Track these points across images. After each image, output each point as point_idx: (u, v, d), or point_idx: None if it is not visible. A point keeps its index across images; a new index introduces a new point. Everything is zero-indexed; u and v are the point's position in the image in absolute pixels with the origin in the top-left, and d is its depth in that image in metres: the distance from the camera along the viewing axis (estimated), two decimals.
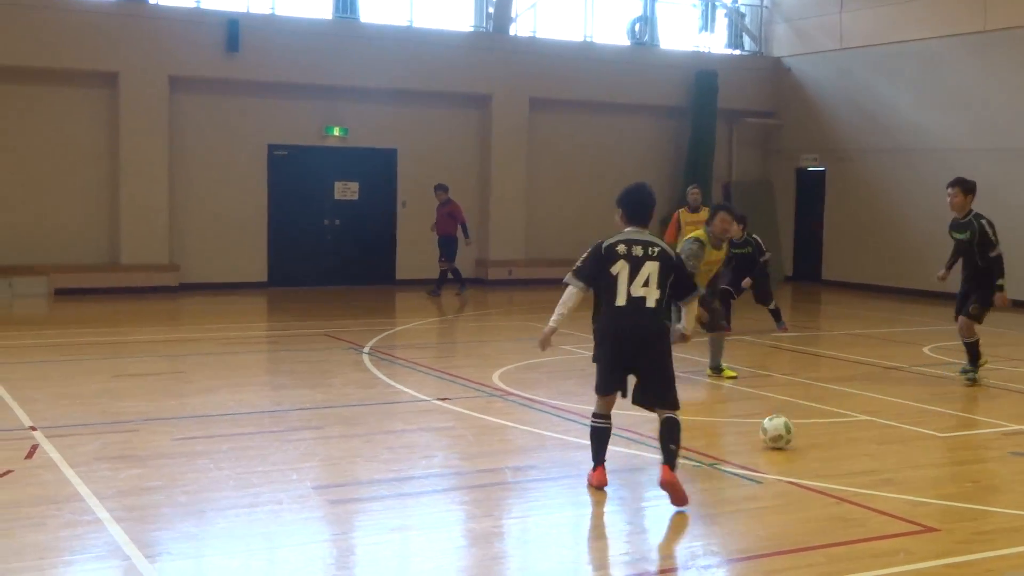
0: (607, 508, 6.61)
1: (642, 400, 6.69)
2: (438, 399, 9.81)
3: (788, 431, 7.96)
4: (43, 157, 18.64)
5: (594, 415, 6.85)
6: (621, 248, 6.63)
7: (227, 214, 19.96)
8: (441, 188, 19.37)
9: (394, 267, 21.48)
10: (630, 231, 6.75)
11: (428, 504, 6.71)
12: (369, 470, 7.46)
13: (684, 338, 7.23)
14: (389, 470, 7.44)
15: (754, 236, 14.88)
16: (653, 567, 5.69)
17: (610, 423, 6.84)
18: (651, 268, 6.58)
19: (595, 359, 6.81)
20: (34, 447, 7.71)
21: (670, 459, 6.46)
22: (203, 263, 19.74)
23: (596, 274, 6.64)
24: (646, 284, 6.55)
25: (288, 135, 20.40)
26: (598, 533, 6.01)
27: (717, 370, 11.17)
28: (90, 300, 17.64)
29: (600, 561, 5.71)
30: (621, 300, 6.55)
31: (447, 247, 19.33)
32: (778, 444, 7.96)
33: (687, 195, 16.22)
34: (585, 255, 6.74)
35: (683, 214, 15.73)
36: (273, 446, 8.00)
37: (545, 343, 6.84)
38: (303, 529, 6.17)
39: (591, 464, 6.91)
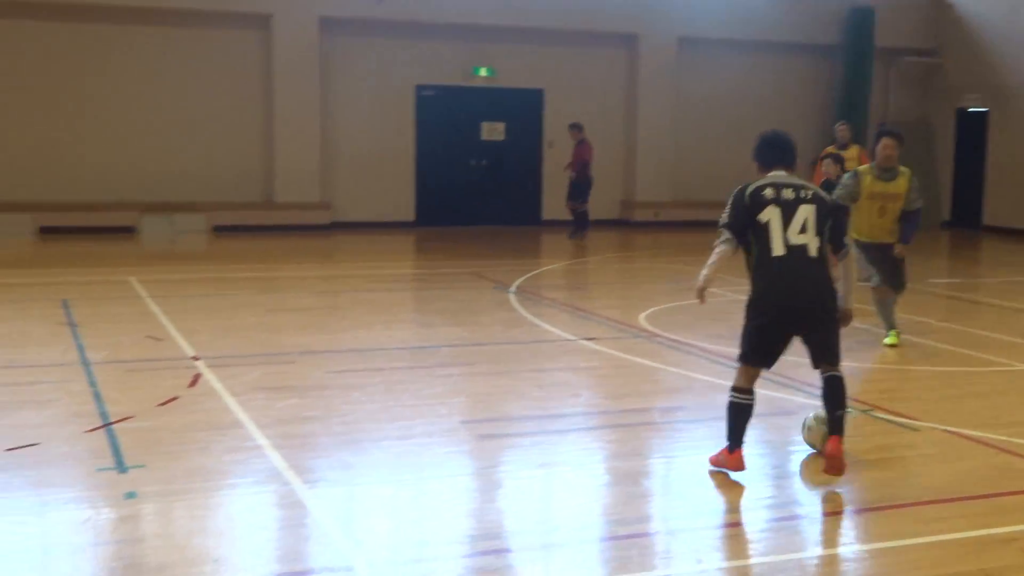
0: (754, 451, 6.54)
1: (809, 356, 5.93)
2: (584, 339, 9.84)
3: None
4: (202, 99, 19.21)
5: (735, 388, 5.98)
6: (768, 192, 5.82)
7: (376, 154, 20.27)
8: (575, 127, 19.24)
9: (540, 207, 21.52)
10: (774, 175, 5.98)
11: (574, 442, 6.76)
12: (516, 407, 7.55)
13: (848, 318, 6.16)
14: (536, 407, 7.51)
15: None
16: (799, 511, 5.62)
17: (754, 399, 5.97)
18: (807, 212, 5.77)
19: (748, 323, 5.91)
20: (197, 376, 8.04)
21: (837, 427, 5.77)
22: (353, 202, 20.14)
23: (744, 225, 5.83)
24: (803, 230, 5.74)
25: (435, 75, 20.55)
26: (741, 476, 5.96)
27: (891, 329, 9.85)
28: (246, 237, 18.21)
29: (743, 504, 5.67)
30: (779, 249, 5.74)
31: (581, 187, 19.15)
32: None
33: (835, 131, 15.75)
34: (728, 205, 5.94)
35: (831, 152, 15.29)
36: (423, 381, 8.17)
37: (701, 296, 6.05)
38: (452, 462, 6.30)
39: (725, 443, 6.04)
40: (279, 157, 19.45)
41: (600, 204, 20.73)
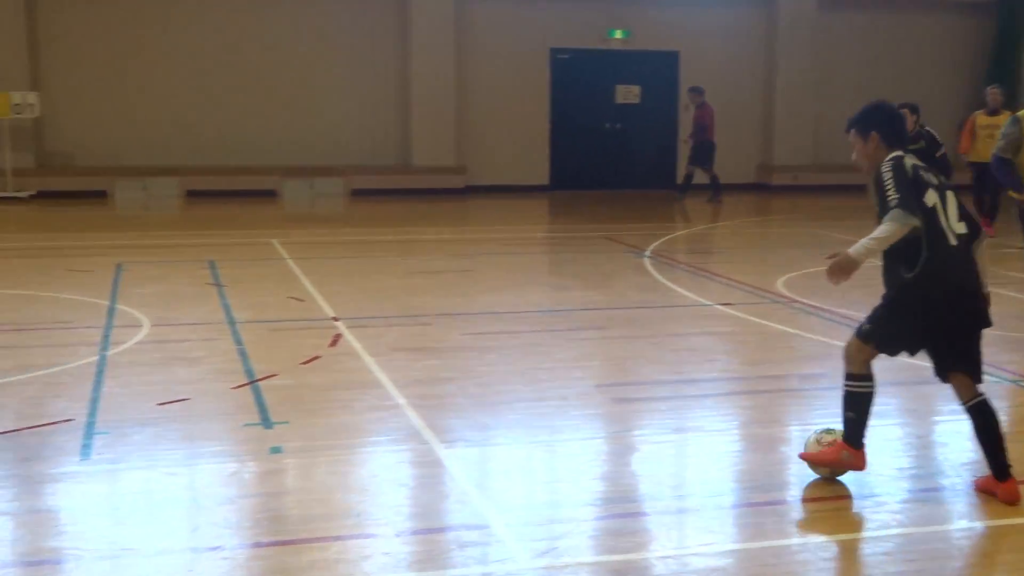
0: (897, 420, 6.40)
1: (948, 366, 5.10)
2: (720, 304, 9.74)
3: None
4: (340, 64, 19.54)
5: (852, 376, 5.15)
6: (924, 173, 5.02)
7: (511, 118, 20.32)
8: (695, 91, 18.94)
9: (675, 171, 21.30)
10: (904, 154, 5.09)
11: (709, 407, 6.71)
12: (651, 371, 7.53)
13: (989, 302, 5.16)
14: (671, 372, 7.48)
15: (927, 128, 13.17)
16: (936, 483, 5.48)
17: (875, 384, 5.19)
18: (953, 198, 5.06)
19: (896, 310, 5.03)
20: (337, 336, 8.23)
21: (1003, 468, 5.03)
22: (488, 166, 20.25)
23: (916, 206, 4.85)
24: (960, 218, 5.02)
25: (570, 38, 20.46)
26: (883, 446, 5.83)
27: None
28: (383, 200, 18.50)
29: (883, 475, 5.55)
30: (952, 239, 4.94)
31: (704, 152, 18.87)
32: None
33: (986, 95, 15.15)
34: (893, 178, 4.89)
35: (979, 117, 14.74)
36: (558, 344, 8.20)
37: (844, 274, 4.91)
38: (586, 425, 6.32)
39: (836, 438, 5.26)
40: (415, 121, 19.68)
41: (736, 168, 20.43)
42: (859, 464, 5.19)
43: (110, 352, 7.66)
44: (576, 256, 12.98)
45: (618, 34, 20.56)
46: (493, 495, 5.14)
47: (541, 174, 20.72)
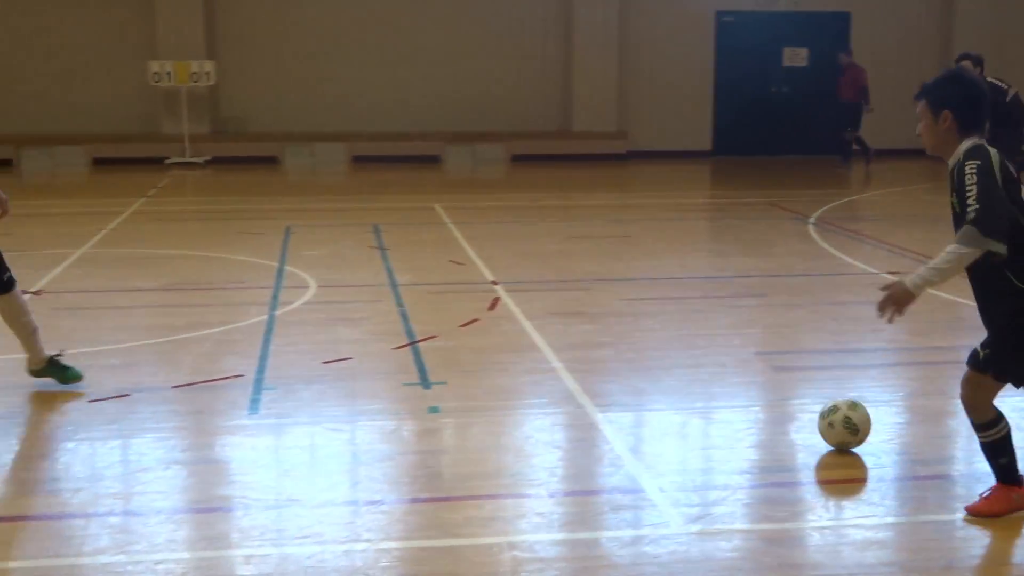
0: None
1: None
2: (887, 272, 9.44)
3: (850, 429, 5.13)
4: (502, 30, 19.61)
5: (982, 426, 4.40)
6: (1009, 170, 4.19)
7: (673, 82, 20.06)
8: (844, 52, 18.38)
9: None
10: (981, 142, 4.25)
11: (874, 377, 6.55)
12: (813, 339, 7.38)
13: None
14: (834, 341, 7.31)
15: (991, 79, 11.43)
16: None
17: (1007, 421, 4.44)
18: None
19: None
20: (496, 300, 8.33)
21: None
22: (649, 131, 20.06)
23: (1010, 217, 4.09)
24: None
25: (737, 1, 20.04)
26: None
27: None
28: (543, 166, 18.56)
29: None
30: None
31: (850, 114, 18.30)
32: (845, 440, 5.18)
33: None
34: (977, 183, 4.06)
35: None
36: (717, 311, 8.11)
37: (898, 309, 4.22)
38: (744, 392, 6.25)
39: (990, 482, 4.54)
40: (577, 86, 19.63)
41: (909, 133, 19.67)
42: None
43: (279, 312, 7.94)
44: (738, 222, 12.77)
45: None
46: (647, 460, 5.14)
47: (704, 139, 20.41)
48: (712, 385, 6.31)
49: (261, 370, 6.46)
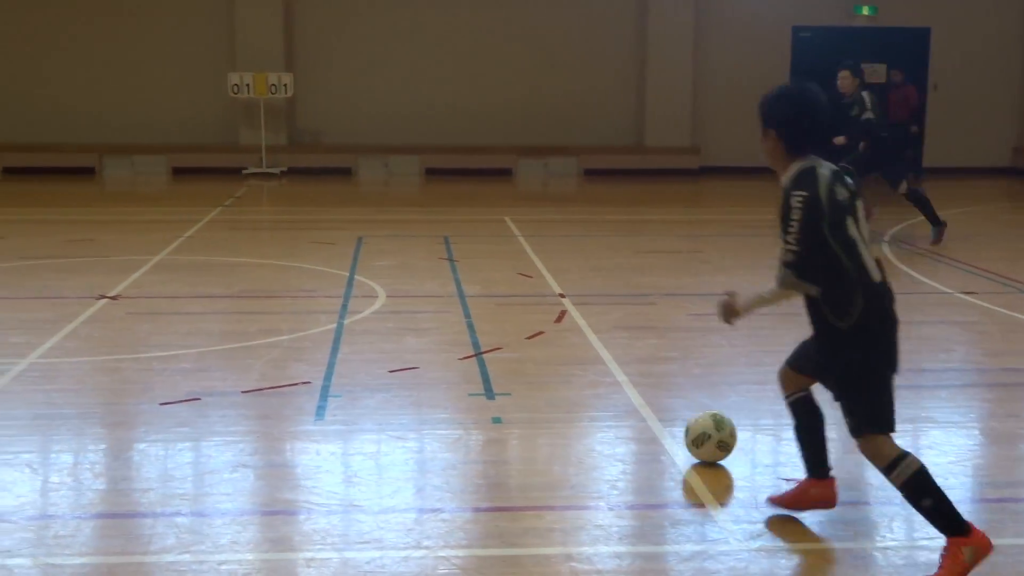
0: None
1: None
2: (962, 292, 9.29)
3: (719, 428, 5.21)
4: (574, 39, 19.61)
5: (896, 461, 4.06)
6: (840, 191, 4.06)
7: (748, 97, 19.81)
8: (896, 69, 18.14)
9: (921, 153, 20.38)
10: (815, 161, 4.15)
11: (944, 398, 6.44)
12: None
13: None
14: (905, 360, 7.18)
15: (864, 92, 12.30)
16: None
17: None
18: (860, 206, 4.16)
19: (873, 375, 4.19)
20: (563, 312, 8.34)
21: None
22: (723, 146, 19.93)
23: (820, 243, 4.02)
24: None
25: (814, 16, 19.85)
26: None
27: None
28: (615, 180, 18.53)
29: None
30: (877, 275, 4.12)
31: (898, 136, 17.96)
32: (705, 450, 5.21)
33: None
34: (800, 220, 3.99)
35: None
36: (784, 328, 7.98)
37: (725, 320, 4.48)
38: None
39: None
40: (650, 101, 19.59)
41: (990, 151, 19.38)
42: (984, 545, 3.99)
43: (347, 321, 8.03)
44: None
45: (865, 11, 19.79)
46: (709, 476, 5.10)
47: None
48: (777, 403, 6.20)
49: (328, 377, 6.55)
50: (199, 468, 5.18)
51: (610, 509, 4.70)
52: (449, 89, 19.57)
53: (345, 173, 19.14)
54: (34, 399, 6.13)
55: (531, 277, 9.79)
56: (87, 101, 19.12)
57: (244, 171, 18.65)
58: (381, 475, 5.12)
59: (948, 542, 3.96)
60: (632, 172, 19.22)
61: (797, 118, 4.17)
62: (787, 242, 4.04)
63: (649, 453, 5.42)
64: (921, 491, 3.98)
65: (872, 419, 4.10)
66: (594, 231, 12.94)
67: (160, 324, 8.04)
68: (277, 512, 4.66)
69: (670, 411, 6.01)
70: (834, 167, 4.15)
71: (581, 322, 8.02)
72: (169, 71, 19.24)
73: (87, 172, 18.62)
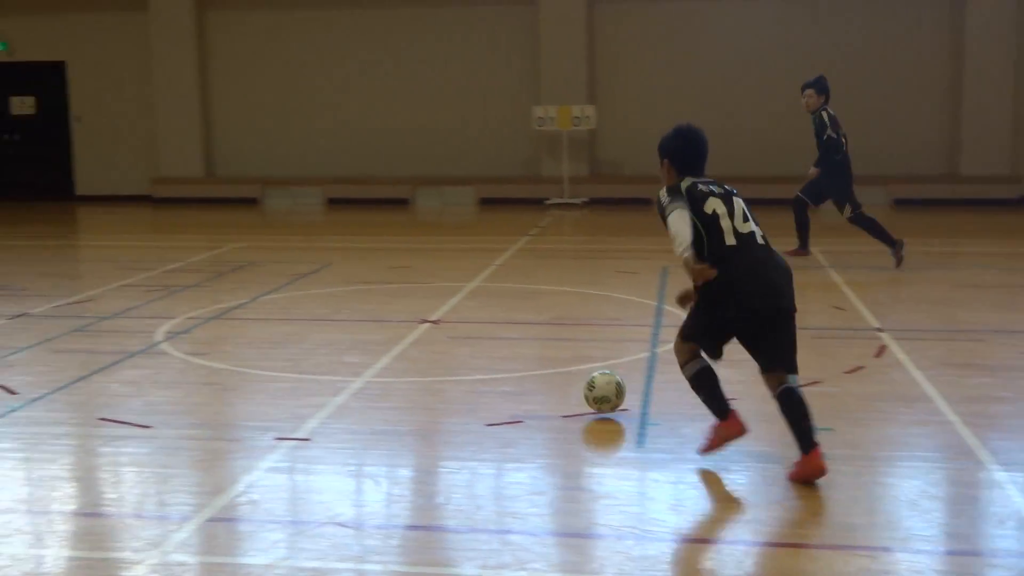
0: None
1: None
2: None
3: (619, 394, 6.40)
4: (887, 66, 18.94)
5: (699, 371, 5.73)
6: (702, 187, 5.63)
7: None
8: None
9: None
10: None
11: None
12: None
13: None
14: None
15: (825, 110, 11.91)
16: None
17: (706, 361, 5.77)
18: (739, 202, 5.70)
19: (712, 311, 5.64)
20: (882, 347, 8.06)
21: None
22: None
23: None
24: (747, 219, 5.65)
25: None
26: None
27: None
28: (928, 211, 17.74)
29: None
30: (731, 238, 5.53)
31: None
32: (602, 407, 6.39)
33: None
34: (670, 212, 5.63)
35: None
36: None
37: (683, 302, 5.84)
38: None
39: None
40: (965, 127, 18.64)
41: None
42: (737, 430, 5.57)
43: (659, 349, 8.08)
44: None
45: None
46: None
47: None
48: None
49: (645, 405, 6.61)
50: (523, 488, 5.35)
51: (947, 554, 4.50)
52: (749, 118, 19.34)
53: (645, 203, 19.27)
54: (371, 416, 6.53)
55: (844, 310, 9.52)
56: (402, 136, 20.25)
57: (547, 201, 19.15)
58: (705, 504, 5.12)
59: (714, 423, 5.62)
60: (946, 202, 18.33)
61: (684, 150, 5.63)
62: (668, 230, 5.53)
63: (982, 498, 5.15)
64: (697, 385, 5.62)
65: (685, 330, 5.64)
66: (909, 263, 12.36)
67: (479, 348, 8.38)
68: (588, 536, 4.76)
69: (1007, 453, 5.68)
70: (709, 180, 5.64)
71: (902, 357, 7.72)
72: (478, 107, 20.08)
73: (401, 203, 19.68)
